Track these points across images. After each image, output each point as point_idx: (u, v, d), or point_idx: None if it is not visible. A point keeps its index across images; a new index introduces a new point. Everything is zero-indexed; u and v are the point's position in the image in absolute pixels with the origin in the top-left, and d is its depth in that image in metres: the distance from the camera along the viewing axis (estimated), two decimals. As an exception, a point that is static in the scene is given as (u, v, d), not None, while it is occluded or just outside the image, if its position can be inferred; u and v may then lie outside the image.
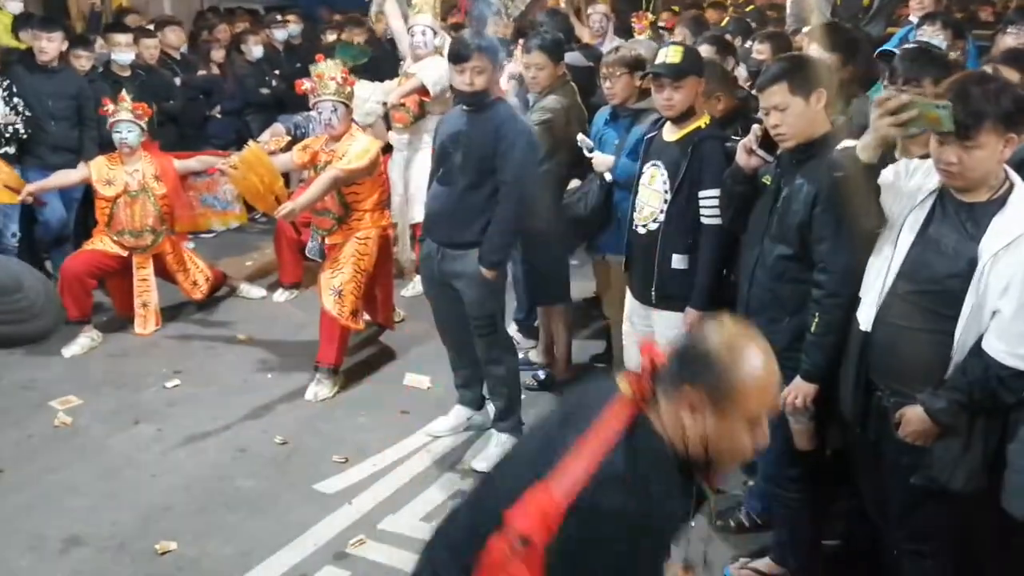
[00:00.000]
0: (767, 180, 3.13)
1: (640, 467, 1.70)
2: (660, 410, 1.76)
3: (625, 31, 7.63)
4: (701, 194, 3.45)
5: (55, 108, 5.93)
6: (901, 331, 2.56)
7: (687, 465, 1.76)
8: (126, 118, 5.40)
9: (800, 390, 2.93)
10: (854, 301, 2.75)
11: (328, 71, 4.81)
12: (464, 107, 3.97)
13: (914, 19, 5.45)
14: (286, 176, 5.76)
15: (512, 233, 4.00)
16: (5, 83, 5.74)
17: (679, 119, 3.55)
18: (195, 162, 5.71)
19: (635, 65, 4.11)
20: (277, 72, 8.31)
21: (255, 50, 8.20)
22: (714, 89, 3.74)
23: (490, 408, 4.35)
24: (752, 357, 1.72)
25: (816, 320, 2.87)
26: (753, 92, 3.47)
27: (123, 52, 6.67)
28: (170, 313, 5.86)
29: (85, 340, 5.38)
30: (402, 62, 6.17)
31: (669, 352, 1.80)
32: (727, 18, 8.08)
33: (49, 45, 5.94)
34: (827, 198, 2.74)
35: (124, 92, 5.55)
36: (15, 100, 5.74)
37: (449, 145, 3.95)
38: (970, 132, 2.33)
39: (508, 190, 3.86)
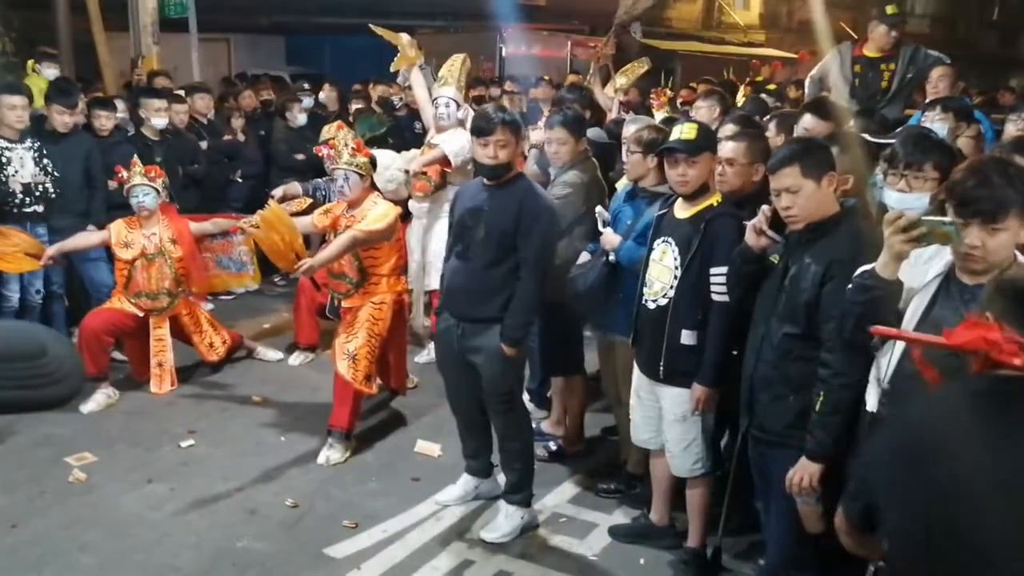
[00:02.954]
0: (775, 259, 3.18)
1: None
2: None
3: (645, 107, 7.80)
4: (712, 271, 3.49)
5: (63, 172, 6.00)
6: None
7: None
8: (141, 182, 5.54)
9: (806, 470, 2.94)
10: (862, 382, 2.76)
11: (341, 139, 4.93)
12: (485, 181, 3.98)
13: (925, 103, 5.56)
14: (306, 238, 5.85)
15: (534, 311, 4.01)
16: (36, 144, 5.90)
17: (692, 196, 3.62)
18: (210, 225, 5.83)
19: (650, 146, 4.10)
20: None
21: (299, 118, 8.41)
22: (757, 158, 3.75)
23: (499, 477, 4.36)
24: None
25: (821, 399, 2.88)
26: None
27: (159, 117, 6.82)
28: (186, 373, 5.92)
29: (102, 397, 5.44)
30: (425, 133, 6.33)
31: None
32: (744, 97, 8.24)
33: (59, 118, 6.09)
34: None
35: (136, 158, 5.71)
36: (45, 161, 5.89)
37: (469, 220, 3.96)
38: (996, 217, 2.35)
39: (530, 267, 3.86)
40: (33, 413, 5.24)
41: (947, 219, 2.43)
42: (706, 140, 3.63)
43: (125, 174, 5.56)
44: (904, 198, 2.97)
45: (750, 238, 3.22)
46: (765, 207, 3.19)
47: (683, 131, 3.60)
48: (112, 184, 6.27)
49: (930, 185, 2.99)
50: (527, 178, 4.13)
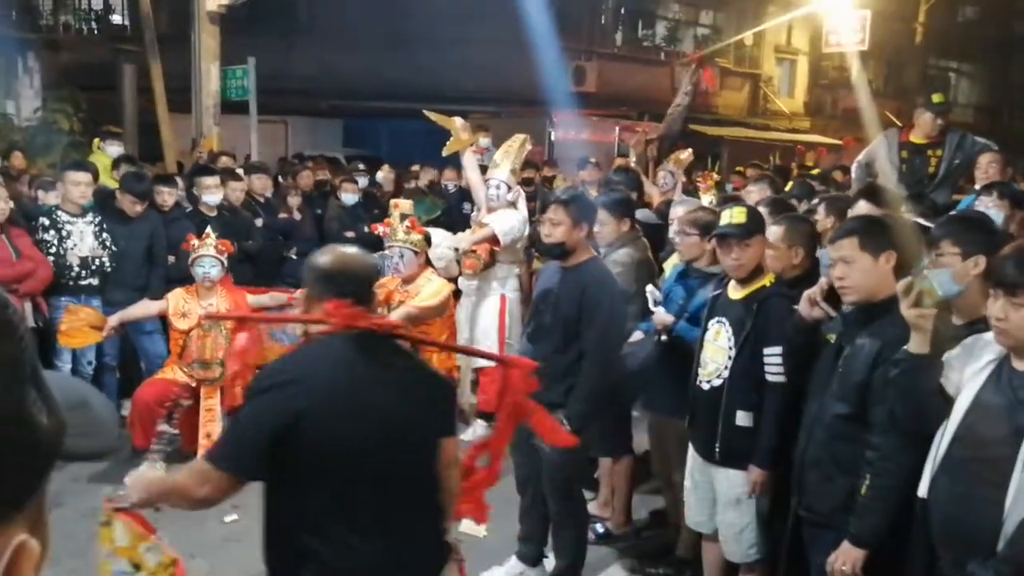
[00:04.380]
0: (831, 338, 3.16)
1: None
2: None
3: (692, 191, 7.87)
4: (766, 351, 3.46)
5: (126, 247, 6.18)
6: (956, 498, 2.52)
7: None
8: (210, 254, 5.66)
9: (848, 555, 2.87)
10: (912, 467, 2.72)
11: (396, 217, 5.03)
12: (558, 263, 3.99)
13: (979, 188, 5.53)
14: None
15: (595, 401, 3.90)
16: (97, 219, 6.07)
17: (745, 278, 3.61)
18: (267, 298, 5.89)
19: (707, 228, 4.12)
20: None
21: (346, 197, 8.57)
22: (796, 242, 3.78)
23: (547, 564, 4.27)
24: None
25: (868, 483, 2.85)
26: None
27: (211, 194, 7.01)
28: (233, 446, 5.91)
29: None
30: (475, 212, 6.42)
31: None
32: (791, 182, 8.25)
33: (130, 206, 6.29)
34: (894, 399, 2.75)
35: (209, 230, 5.84)
36: (104, 236, 6.05)
37: (540, 303, 3.98)
38: (1016, 290, 2.35)
39: (592, 358, 3.81)
40: (80, 484, 5.29)
41: (928, 272, 2.49)
42: (755, 223, 3.65)
43: (196, 243, 5.69)
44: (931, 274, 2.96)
45: (803, 308, 3.24)
46: (823, 279, 3.20)
47: (732, 215, 3.62)
48: (171, 259, 6.44)
49: (949, 260, 2.91)
50: (599, 264, 4.08)
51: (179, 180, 7.46)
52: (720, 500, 3.67)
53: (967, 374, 2.58)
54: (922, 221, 4.14)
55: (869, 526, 2.84)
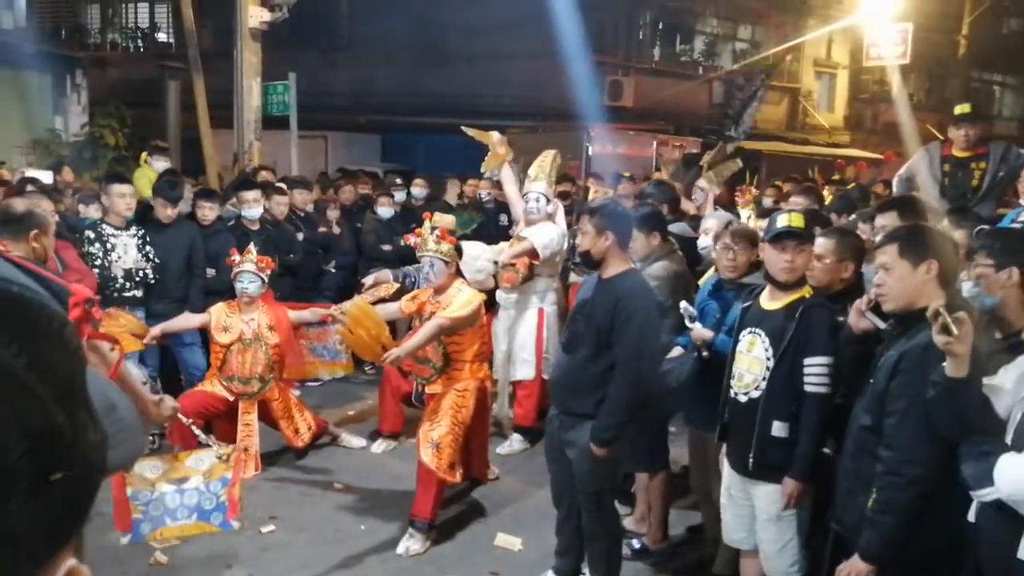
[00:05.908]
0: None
1: None
2: None
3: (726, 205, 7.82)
4: (807, 361, 3.42)
5: (165, 259, 6.26)
6: (1000, 525, 2.48)
7: None
8: (250, 269, 5.73)
9: (853, 568, 2.87)
10: (921, 484, 2.70)
11: (427, 228, 5.06)
12: (598, 274, 4.00)
13: (1023, 201, 5.45)
14: (392, 324, 5.94)
15: (625, 413, 3.85)
16: (140, 232, 6.18)
17: (784, 287, 3.56)
18: (308, 314, 5.95)
19: (756, 241, 4.12)
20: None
21: (382, 211, 8.64)
22: (847, 255, 3.76)
23: (583, 580, 4.25)
24: None
25: (874, 496, 2.82)
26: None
27: (251, 208, 7.09)
28: (270, 458, 5.98)
29: (188, 480, 5.52)
30: (515, 226, 6.44)
31: None
32: (831, 196, 8.19)
33: (162, 211, 6.41)
34: (935, 418, 2.71)
35: (252, 246, 5.91)
36: (147, 248, 6.15)
37: (577, 312, 3.99)
38: None
39: (623, 369, 3.79)
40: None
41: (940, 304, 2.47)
42: (811, 231, 3.65)
43: (238, 258, 5.77)
44: (965, 287, 2.93)
45: (852, 319, 3.23)
46: (872, 290, 3.18)
47: (793, 219, 3.58)
48: (210, 272, 6.52)
49: (983, 272, 2.85)
50: (636, 276, 4.04)
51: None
52: (760, 516, 3.61)
53: (1017, 397, 2.54)
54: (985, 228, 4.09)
55: (877, 540, 2.81)
